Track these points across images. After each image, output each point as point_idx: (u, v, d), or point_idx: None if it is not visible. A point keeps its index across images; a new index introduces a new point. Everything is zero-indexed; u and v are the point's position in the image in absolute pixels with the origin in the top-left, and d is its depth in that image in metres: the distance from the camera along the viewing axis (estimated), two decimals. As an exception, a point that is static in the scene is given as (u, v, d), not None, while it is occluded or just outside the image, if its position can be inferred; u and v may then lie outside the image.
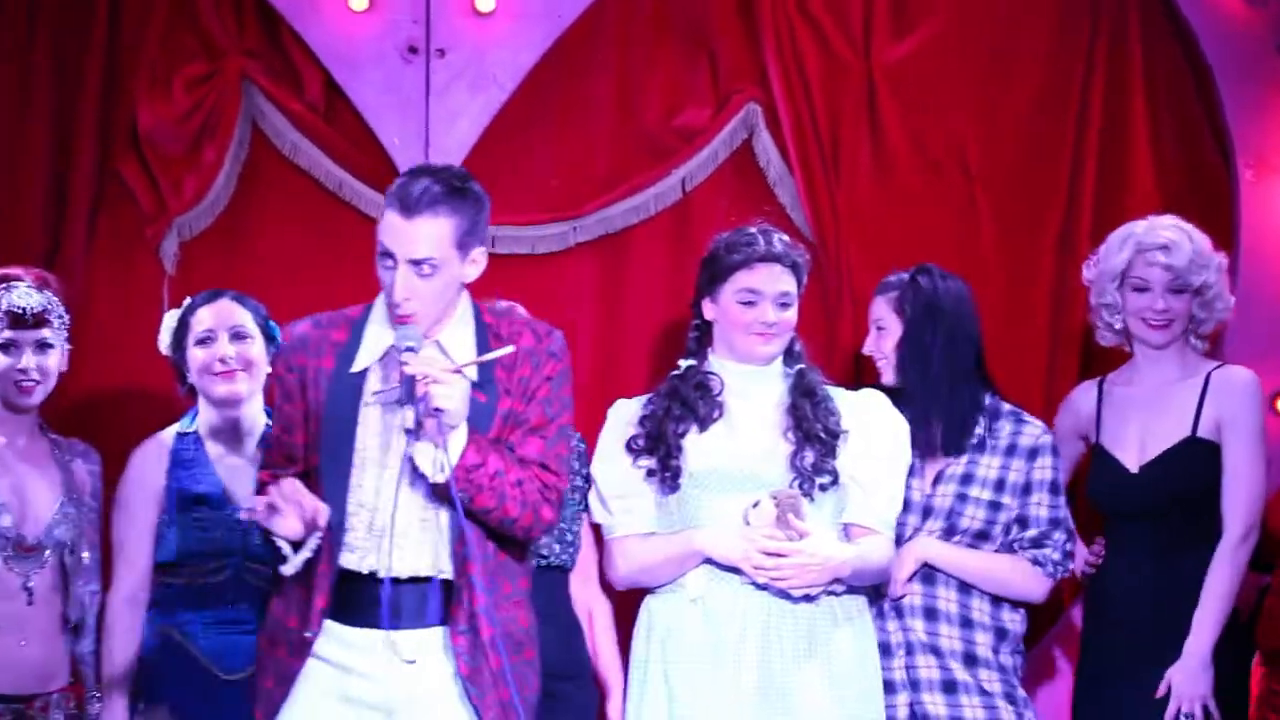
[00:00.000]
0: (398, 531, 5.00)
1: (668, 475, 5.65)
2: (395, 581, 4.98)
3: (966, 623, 5.98)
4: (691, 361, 5.80)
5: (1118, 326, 6.27)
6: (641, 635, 5.67)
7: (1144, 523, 6.16)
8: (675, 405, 5.72)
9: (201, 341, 6.07)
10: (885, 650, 5.93)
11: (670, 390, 5.75)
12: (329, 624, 4.97)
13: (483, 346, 5.04)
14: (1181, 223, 6.29)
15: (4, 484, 5.94)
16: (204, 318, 6.05)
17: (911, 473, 5.98)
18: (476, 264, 5.03)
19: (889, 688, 5.90)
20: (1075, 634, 6.45)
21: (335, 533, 4.95)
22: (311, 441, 5.05)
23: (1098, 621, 6.23)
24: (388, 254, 4.93)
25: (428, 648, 4.99)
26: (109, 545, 6.13)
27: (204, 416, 6.07)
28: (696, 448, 5.65)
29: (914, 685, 5.94)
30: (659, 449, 5.67)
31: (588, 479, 6.07)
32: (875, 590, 5.87)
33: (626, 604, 5.95)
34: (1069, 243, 6.85)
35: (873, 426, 5.74)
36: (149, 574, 6.05)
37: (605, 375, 6.84)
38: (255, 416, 6.14)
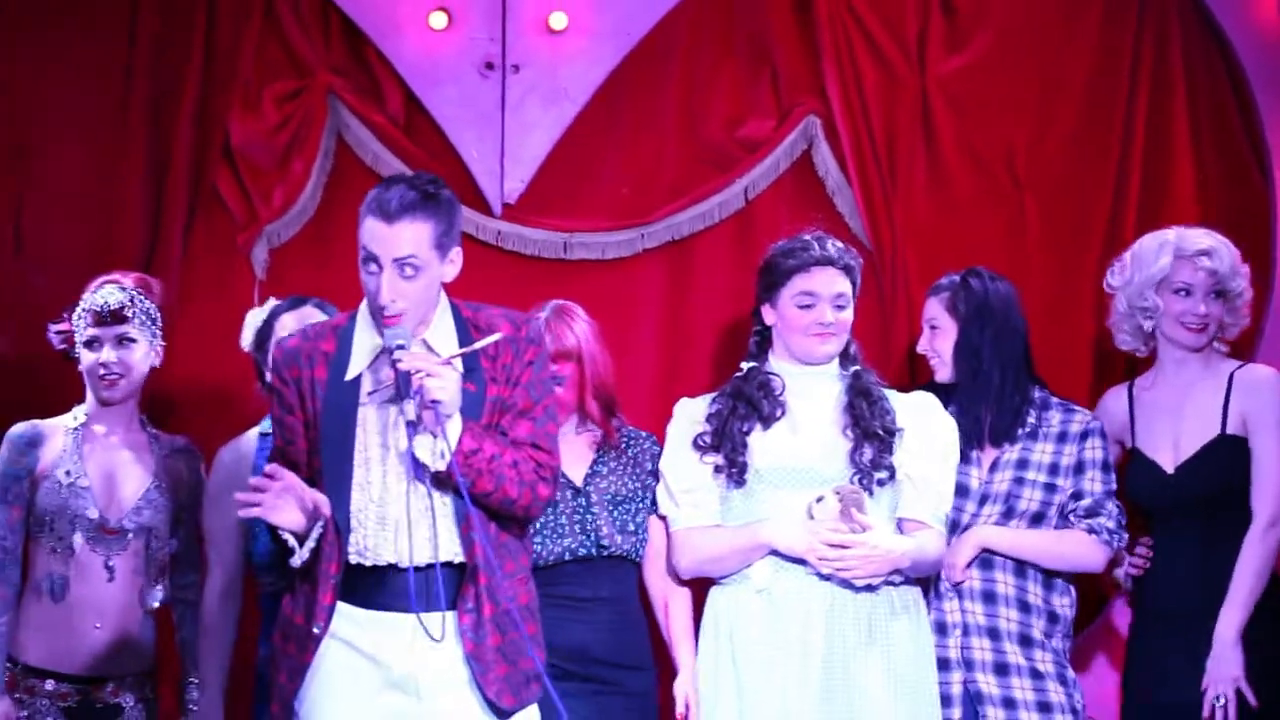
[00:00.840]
0: (401, 520, 5.08)
1: (734, 471, 5.77)
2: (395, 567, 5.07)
3: (1024, 606, 6.08)
4: (753, 364, 5.94)
5: (1148, 330, 6.33)
6: (709, 627, 5.83)
7: (1186, 519, 6.24)
8: (740, 404, 5.83)
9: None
10: (942, 629, 6.05)
11: (734, 390, 5.87)
12: (347, 609, 5.05)
13: (464, 340, 5.13)
14: (1211, 232, 6.41)
15: (94, 470, 6.07)
16: (287, 323, 6.14)
17: (967, 462, 6.11)
18: (454, 264, 5.13)
19: (944, 665, 6.02)
20: (1113, 629, 6.60)
21: (342, 533, 5.04)
22: (313, 448, 5.12)
23: (1147, 617, 6.35)
24: (372, 258, 5.01)
25: (436, 630, 5.09)
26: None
27: None
28: (761, 445, 5.77)
29: (968, 665, 6.02)
30: (725, 446, 5.79)
31: (654, 474, 6.16)
32: (928, 580, 5.97)
33: (699, 589, 6.08)
34: (1113, 248, 6.87)
35: (925, 426, 5.86)
36: (240, 567, 6.18)
37: (670, 374, 6.99)
38: None
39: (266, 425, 6.14)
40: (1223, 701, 6.11)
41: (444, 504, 5.10)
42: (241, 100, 7.00)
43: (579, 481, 6.17)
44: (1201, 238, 6.33)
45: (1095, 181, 7.14)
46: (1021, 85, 7.16)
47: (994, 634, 6.07)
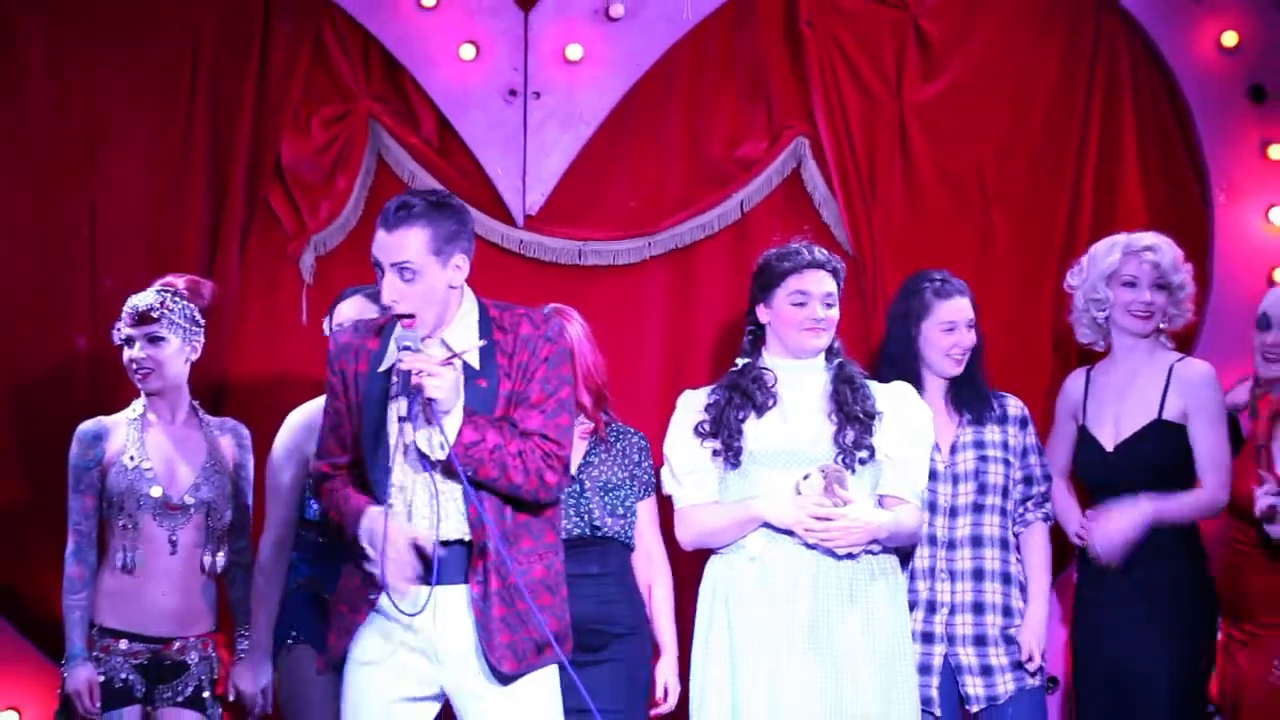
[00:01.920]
0: (420, 504, 5.22)
1: (730, 454, 5.92)
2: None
3: (1006, 578, 6.34)
4: (748, 359, 6.08)
5: (1101, 321, 6.53)
6: (707, 590, 5.98)
7: (1121, 494, 6.43)
8: (736, 396, 5.98)
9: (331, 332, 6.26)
10: (931, 608, 6.29)
11: (731, 383, 6.02)
12: None
13: (485, 338, 5.28)
14: (1157, 234, 6.59)
15: (155, 454, 6.30)
16: (343, 310, 6.27)
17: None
18: (460, 269, 5.22)
19: (928, 639, 6.25)
20: (1071, 587, 6.73)
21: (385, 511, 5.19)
22: (355, 433, 5.28)
23: (1090, 576, 6.53)
24: (376, 263, 5.18)
25: (454, 601, 5.22)
26: (260, 506, 6.44)
27: None
28: (754, 431, 5.93)
29: (950, 639, 6.27)
30: (723, 432, 5.94)
31: (640, 465, 6.36)
32: (906, 553, 6.14)
33: (690, 569, 6.26)
34: (1070, 254, 7.03)
35: (902, 412, 6.02)
36: (293, 523, 6.31)
37: (674, 369, 7.24)
38: None
39: None
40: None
41: (452, 489, 5.20)
42: (292, 123, 7.23)
43: (573, 469, 6.27)
44: (1147, 237, 6.53)
45: (1054, 196, 7.39)
46: (989, 111, 7.39)
47: (979, 608, 6.29)
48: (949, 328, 6.38)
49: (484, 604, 5.19)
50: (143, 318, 6.28)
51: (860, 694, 5.74)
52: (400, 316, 5.16)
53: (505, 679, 5.19)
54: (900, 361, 6.40)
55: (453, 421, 5.11)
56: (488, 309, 5.31)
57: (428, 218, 5.19)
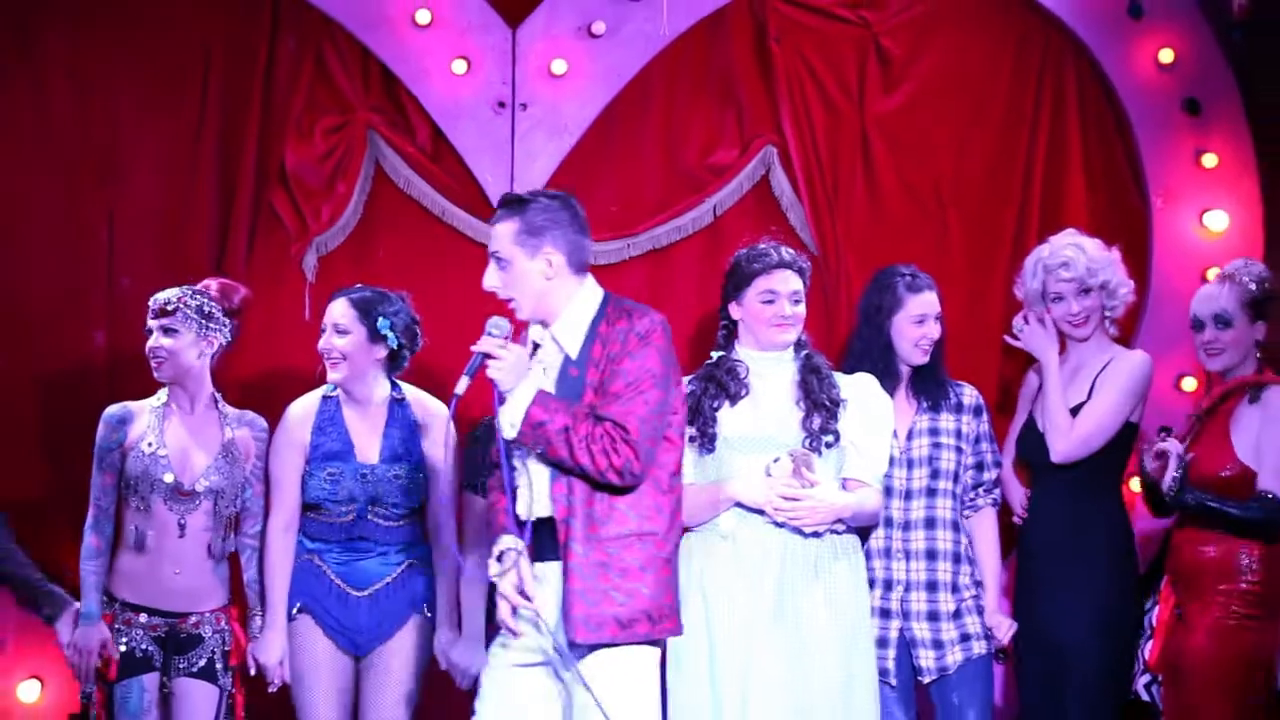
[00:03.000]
0: (523, 483, 5.42)
1: (705, 440, 6.02)
2: (520, 523, 5.42)
3: (956, 558, 6.40)
4: (722, 352, 6.17)
5: (1049, 325, 6.57)
6: (683, 565, 5.80)
7: (1056, 476, 6.52)
8: (711, 386, 6.08)
9: (323, 332, 6.48)
10: (888, 585, 6.33)
11: (706, 375, 6.11)
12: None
13: (591, 334, 5.39)
14: (1075, 235, 6.62)
15: (172, 442, 6.38)
16: (332, 310, 6.45)
17: None
18: (550, 263, 5.39)
19: (885, 614, 6.31)
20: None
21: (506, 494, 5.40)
22: None
23: (1024, 557, 6.65)
24: (494, 252, 5.43)
25: (550, 575, 5.37)
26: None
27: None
28: (728, 419, 6.03)
29: (905, 615, 6.33)
30: (698, 420, 6.03)
31: None
32: (868, 529, 6.23)
33: None
34: (1019, 254, 7.06)
35: (865, 401, 6.12)
36: (298, 507, 6.42)
37: None
38: (373, 388, 6.45)
39: (329, 388, 6.48)
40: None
41: (540, 470, 5.38)
42: (295, 133, 7.35)
43: None
44: (1062, 249, 6.57)
45: (1005, 201, 7.56)
46: (944, 123, 7.58)
47: (932, 586, 6.35)
48: (919, 320, 6.44)
49: (566, 578, 5.33)
50: (160, 311, 6.36)
51: (824, 661, 5.85)
52: (505, 302, 5.40)
53: (581, 650, 5.31)
54: (873, 351, 6.45)
55: (519, 402, 5.28)
56: (608, 304, 5.47)
57: (519, 213, 5.42)
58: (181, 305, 6.39)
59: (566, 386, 5.38)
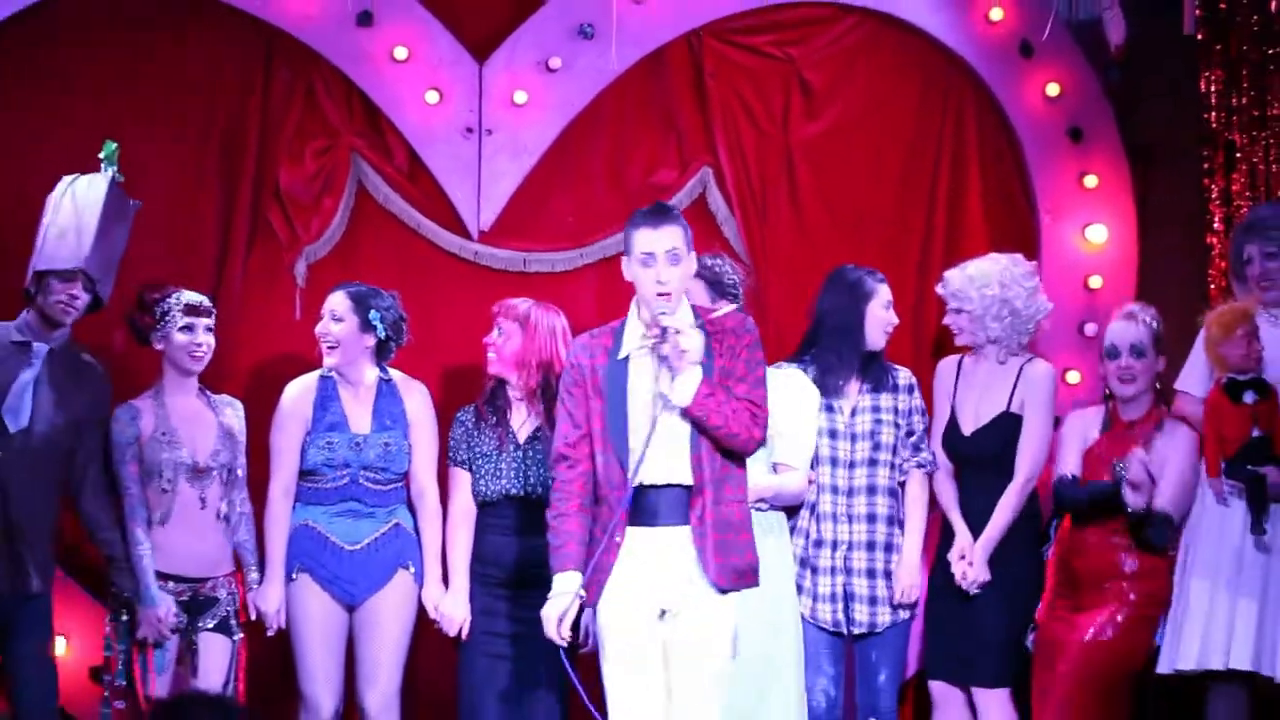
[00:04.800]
0: (649, 455, 5.71)
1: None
2: (654, 488, 5.73)
3: (891, 520, 6.74)
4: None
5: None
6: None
7: (975, 471, 6.86)
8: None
9: (321, 319, 6.77)
10: (834, 545, 6.64)
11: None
12: (629, 528, 5.72)
13: (700, 324, 5.78)
14: (965, 267, 6.93)
15: (181, 428, 6.66)
16: (331, 301, 6.77)
17: (832, 411, 6.66)
18: (693, 264, 5.85)
19: (833, 571, 6.62)
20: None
21: (623, 465, 5.72)
22: (594, 413, 5.76)
23: (948, 537, 6.93)
24: (650, 254, 5.72)
25: (677, 538, 5.73)
26: (255, 461, 6.74)
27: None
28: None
29: (847, 570, 6.67)
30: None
31: None
32: (794, 507, 6.49)
33: None
34: (926, 265, 7.66)
35: (791, 392, 6.45)
36: (296, 474, 6.68)
37: None
38: (363, 371, 6.76)
39: (324, 371, 6.74)
40: (973, 588, 6.80)
41: (679, 442, 5.72)
42: (287, 155, 7.56)
43: (522, 439, 6.76)
44: (949, 281, 6.96)
45: (913, 217, 7.87)
46: (860, 147, 7.85)
47: (871, 546, 6.68)
48: (887, 306, 6.79)
49: (701, 536, 5.71)
50: (204, 309, 6.63)
51: (751, 624, 6.02)
52: (663, 293, 5.72)
53: (723, 591, 5.68)
54: (845, 335, 6.74)
55: (695, 374, 5.65)
56: (696, 310, 5.87)
57: (680, 219, 5.83)
58: (211, 305, 6.67)
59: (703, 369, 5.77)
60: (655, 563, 5.76)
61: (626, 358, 5.84)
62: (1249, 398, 6.50)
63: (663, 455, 5.74)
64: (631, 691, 5.73)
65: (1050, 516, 6.96)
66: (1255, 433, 6.50)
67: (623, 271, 5.87)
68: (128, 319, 6.71)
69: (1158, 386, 6.83)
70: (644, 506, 5.76)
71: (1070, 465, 6.81)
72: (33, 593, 6.50)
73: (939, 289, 7.10)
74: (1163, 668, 6.57)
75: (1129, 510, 6.54)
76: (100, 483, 6.66)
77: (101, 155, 6.56)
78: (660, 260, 5.74)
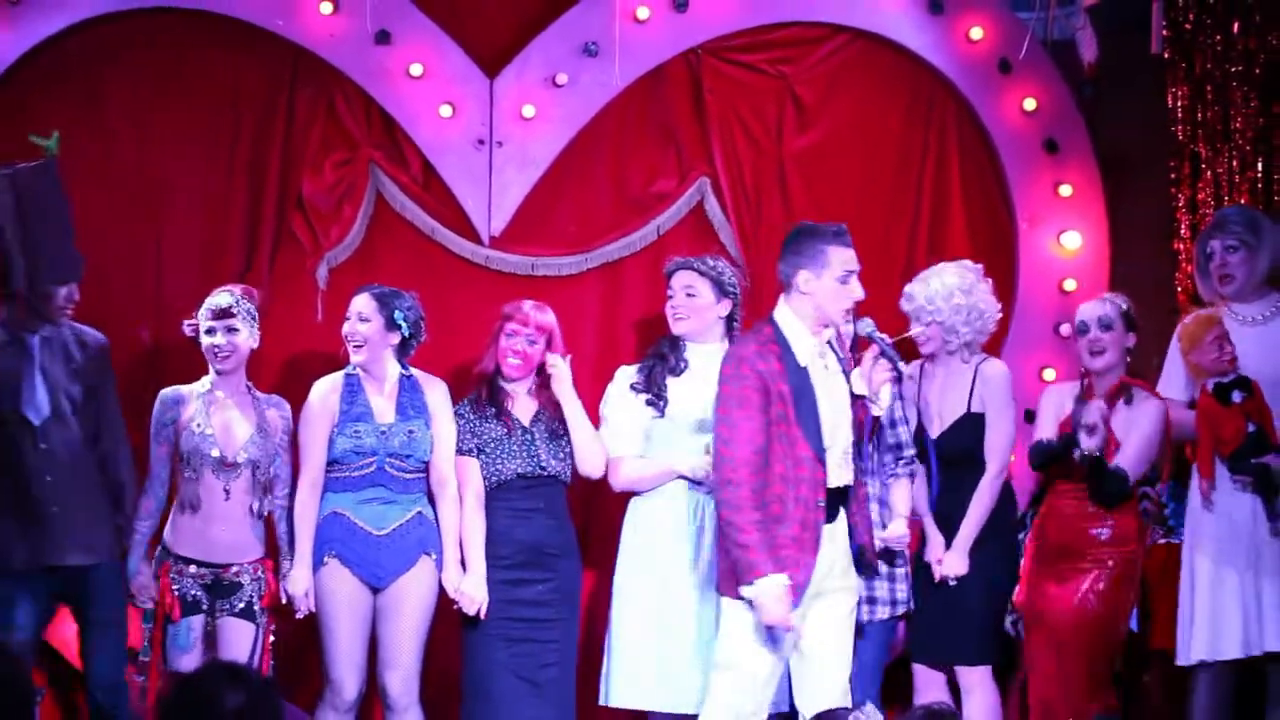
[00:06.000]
0: (840, 454, 6.03)
1: (660, 404, 6.70)
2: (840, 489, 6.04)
3: (879, 525, 6.83)
4: (666, 338, 6.80)
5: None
6: (630, 521, 6.75)
7: (946, 469, 7.05)
8: (659, 360, 6.76)
9: (347, 319, 6.94)
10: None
11: (655, 352, 6.81)
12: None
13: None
14: (925, 279, 7.07)
15: (216, 422, 6.79)
16: (356, 302, 6.92)
17: None
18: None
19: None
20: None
21: (821, 464, 5.95)
22: (780, 413, 5.93)
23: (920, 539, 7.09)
24: (851, 271, 6.00)
25: (838, 530, 6.06)
26: (297, 459, 6.82)
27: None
28: (675, 390, 6.66)
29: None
30: (651, 388, 6.71)
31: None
32: None
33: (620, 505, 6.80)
34: (911, 270, 7.59)
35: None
36: (324, 466, 6.80)
37: (606, 354, 7.64)
38: (387, 367, 6.92)
39: (350, 368, 6.89)
40: (951, 580, 6.99)
41: (845, 447, 6.04)
42: (310, 166, 7.73)
43: (526, 422, 6.94)
44: (913, 296, 7.10)
45: (899, 224, 7.98)
46: (849, 158, 7.96)
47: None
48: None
49: (855, 525, 6.11)
50: (224, 313, 6.79)
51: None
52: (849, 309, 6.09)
53: (874, 572, 6.26)
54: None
55: (889, 385, 6.08)
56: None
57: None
58: (239, 308, 6.80)
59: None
60: (828, 550, 6.06)
61: (805, 367, 6.03)
62: (1237, 397, 6.68)
63: (841, 457, 6.05)
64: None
65: (1028, 505, 7.13)
66: (1250, 428, 6.68)
67: (798, 284, 6.01)
68: (185, 322, 6.94)
69: (1128, 360, 6.94)
70: (831, 499, 6.05)
71: (1046, 434, 6.93)
72: (102, 561, 6.68)
73: (903, 304, 7.21)
74: (1181, 660, 6.79)
75: (1082, 452, 6.65)
76: (120, 434, 6.86)
77: (48, 143, 6.55)
78: (854, 278, 5.99)
